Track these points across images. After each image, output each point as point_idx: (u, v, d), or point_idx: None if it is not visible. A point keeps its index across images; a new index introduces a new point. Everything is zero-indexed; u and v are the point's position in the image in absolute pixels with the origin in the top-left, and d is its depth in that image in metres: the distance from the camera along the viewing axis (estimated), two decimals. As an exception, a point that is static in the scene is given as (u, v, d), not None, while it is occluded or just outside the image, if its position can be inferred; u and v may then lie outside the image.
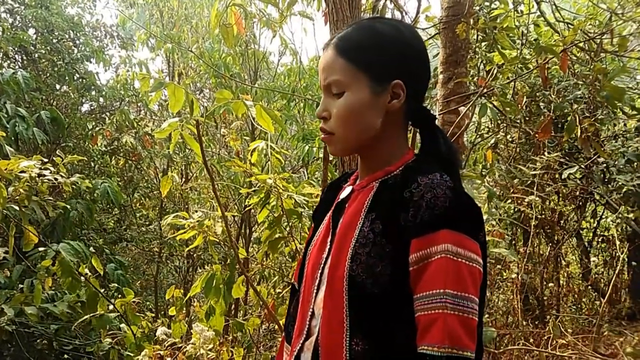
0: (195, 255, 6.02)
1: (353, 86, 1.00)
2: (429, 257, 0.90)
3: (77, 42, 5.73)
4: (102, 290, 3.04)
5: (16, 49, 5.26)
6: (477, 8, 3.31)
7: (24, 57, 5.43)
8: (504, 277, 4.36)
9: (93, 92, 5.68)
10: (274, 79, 5.94)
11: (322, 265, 1.05)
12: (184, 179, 6.21)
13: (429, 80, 1.08)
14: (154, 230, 6.06)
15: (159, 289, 5.99)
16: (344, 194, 1.11)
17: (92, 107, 5.92)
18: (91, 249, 3.19)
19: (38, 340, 4.01)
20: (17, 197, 2.55)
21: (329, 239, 1.06)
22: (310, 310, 1.04)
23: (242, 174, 4.94)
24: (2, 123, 4.04)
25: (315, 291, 1.04)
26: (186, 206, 6.02)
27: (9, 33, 4.94)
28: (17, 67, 5.21)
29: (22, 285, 3.51)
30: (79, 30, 5.74)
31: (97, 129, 5.51)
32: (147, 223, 6.36)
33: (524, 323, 4.07)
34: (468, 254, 0.91)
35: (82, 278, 2.77)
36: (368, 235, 0.97)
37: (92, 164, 5.43)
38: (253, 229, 5.67)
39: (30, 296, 3.02)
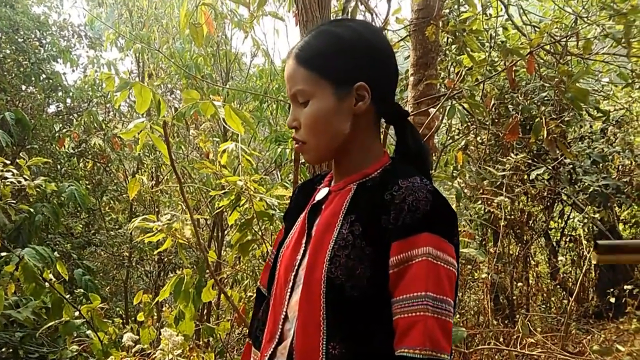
0: (166, 259, 5.93)
1: (317, 94, 1.00)
2: (410, 259, 0.90)
3: (44, 41, 5.59)
4: (67, 296, 2.96)
5: (-21, 48, 5.11)
6: (447, 11, 3.34)
7: (-13, 57, 5.28)
8: (475, 278, 4.42)
9: (60, 93, 5.55)
10: (246, 80, 5.89)
11: (296, 268, 1.03)
12: (154, 182, 6.11)
13: (396, 78, 1.07)
14: (123, 235, 5.94)
15: (129, 294, 5.87)
16: (319, 195, 1.09)
17: (58, 109, 5.77)
18: (56, 253, 3.11)
19: (3, 349, 3.89)
20: (-23, 201, 2.46)
21: (303, 241, 1.04)
22: (283, 313, 1.02)
23: (214, 176, 4.89)
24: (-36, 125, 3.91)
25: (288, 294, 1.02)
26: (157, 209, 5.92)
27: (-29, 32, 4.80)
28: (-21, 67, 5.06)
29: (-16, 292, 3.40)
30: (46, 29, 5.62)
31: (65, 130, 5.38)
32: (116, 227, 6.23)
33: (495, 322, 4.13)
34: (446, 257, 0.92)
35: (47, 284, 2.69)
36: (347, 237, 0.96)
37: (59, 167, 5.30)
38: (226, 232, 5.61)
39: (-8, 303, 2.91)
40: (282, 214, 2.68)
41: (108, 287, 6.09)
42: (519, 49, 2.64)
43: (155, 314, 4.23)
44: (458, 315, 4.03)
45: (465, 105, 2.97)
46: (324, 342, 0.93)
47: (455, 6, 3.33)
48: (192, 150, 6.19)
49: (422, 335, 0.87)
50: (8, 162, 2.71)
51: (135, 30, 5.94)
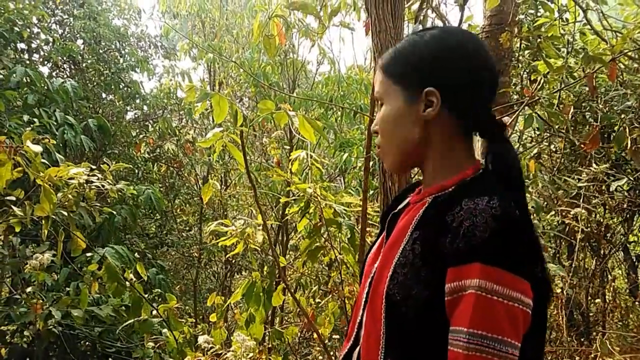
0: (233, 261, 6.09)
1: (389, 97, 1.02)
2: (461, 290, 0.85)
3: (123, 52, 5.91)
4: (145, 295, 3.11)
5: (65, 59, 5.46)
6: (522, 16, 3.25)
7: (73, 67, 5.64)
8: (548, 292, 4.23)
9: (137, 101, 5.85)
10: (312, 88, 5.97)
11: (372, 277, 1.02)
12: (223, 186, 6.30)
13: (488, 87, 1.00)
14: (193, 236, 6.17)
15: (197, 294, 6.08)
16: (401, 205, 1.09)
17: (136, 115, 6.09)
18: (136, 254, 3.27)
19: (82, 342, 4.12)
20: (66, 203, 2.63)
21: (381, 250, 1.05)
22: (359, 317, 1.04)
23: (280, 182, 4.98)
24: (52, 130, 4.19)
25: (364, 301, 1.03)
26: (225, 213, 6.10)
27: (58, 44, 5.14)
28: (66, 76, 5.41)
29: (68, 289, 3.63)
30: (125, 40, 5.94)
31: (141, 136, 5.66)
32: (187, 229, 6.48)
33: (569, 339, 3.95)
34: (508, 291, 0.83)
35: (127, 283, 2.83)
36: (408, 255, 0.93)
37: (136, 171, 5.57)
38: (290, 236, 5.70)
39: (77, 299, 3.11)
40: (350, 221, 2.70)
41: (178, 286, 6.33)
42: (600, 56, 2.53)
43: (223, 315, 4.36)
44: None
45: (541, 114, 2.87)
46: (382, 356, 0.92)
47: (531, 11, 3.23)
48: (259, 157, 6.34)
49: None
50: (93, 166, 2.88)
51: (207, 40, 6.17)
